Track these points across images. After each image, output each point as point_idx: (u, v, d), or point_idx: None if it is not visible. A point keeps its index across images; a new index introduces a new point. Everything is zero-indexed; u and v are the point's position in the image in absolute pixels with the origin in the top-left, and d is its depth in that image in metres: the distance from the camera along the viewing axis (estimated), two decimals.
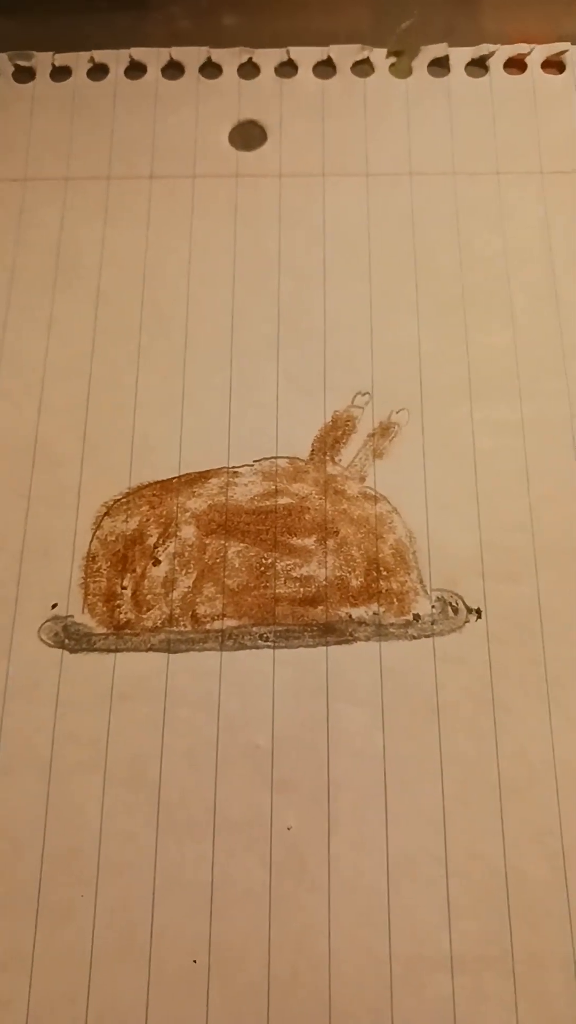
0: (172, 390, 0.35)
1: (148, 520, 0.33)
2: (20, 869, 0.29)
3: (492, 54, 0.41)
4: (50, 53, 0.41)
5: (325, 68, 0.41)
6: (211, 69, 0.41)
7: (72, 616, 0.32)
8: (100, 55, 0.41)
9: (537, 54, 0.41)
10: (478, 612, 0.32)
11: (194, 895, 0.29)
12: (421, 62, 0.41)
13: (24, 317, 0.37)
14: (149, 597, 0.32)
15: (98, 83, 0.41)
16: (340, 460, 0.34)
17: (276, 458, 0.34)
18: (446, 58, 0.41)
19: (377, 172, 0.39)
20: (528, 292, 0.37)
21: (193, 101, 0.40)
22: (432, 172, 0.39)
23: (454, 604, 0.32)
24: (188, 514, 0.33)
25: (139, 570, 0.33)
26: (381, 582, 0.32)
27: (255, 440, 0.35)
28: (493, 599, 0.32)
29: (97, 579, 0.33)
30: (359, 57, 0.41)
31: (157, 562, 0.33)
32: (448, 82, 0.40)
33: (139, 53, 0.41)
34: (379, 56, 0.41)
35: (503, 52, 0.41)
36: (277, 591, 0.32)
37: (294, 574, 0.33)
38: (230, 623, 0.32)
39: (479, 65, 0.41)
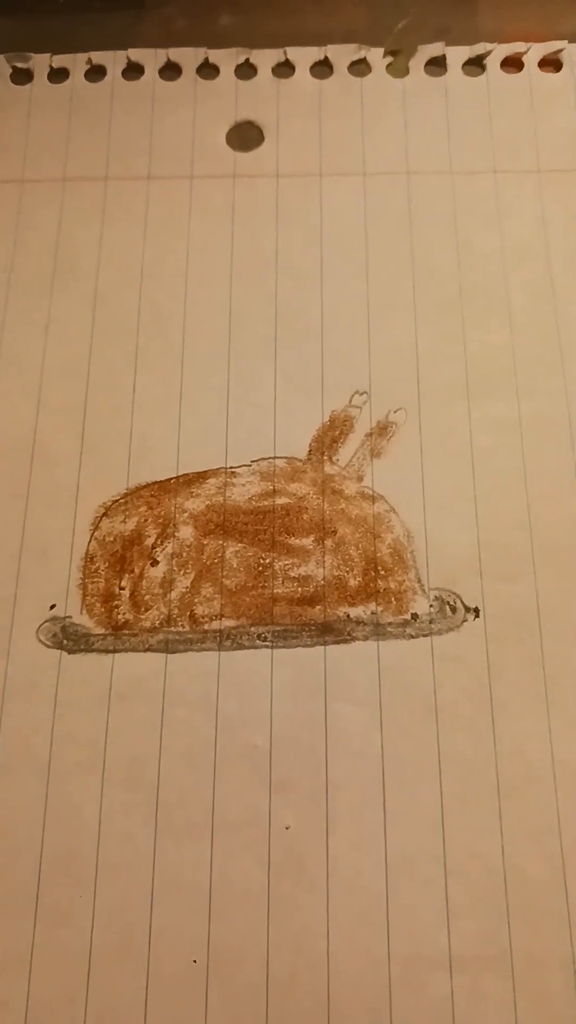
0: (170, 390, 0.35)
1: (146, 520, 0.33)
2: (18, 870, 0.29)
3: (489, 53, 0.41)
4: (47, 54, 0.41)
5: (322, 68, 0.41)
6: (208, 70, 0.41)
7: (70, 617, 0.32)
8: (97, 56, 0.41)
9: (534, 53, 0.41)
10: (476, 611, 0.32)
11: (192, 895, 0.29)
12: (418, 61, 0.41)
13: (22, 318, 0.37)
14: (147, 597, 0.32)
15: (95, 84, 0.41)
16: (338, 460, 0.34)
17: (274, 458, 0.34)
18: (443, 57, 0.41)
19: (374, 172, 0.39)
20: (526, 291, 0.37)
21: (190, 102, 0.40)
22: (429, 171, 0.39)
23: (452, 603, 0.32)
24: (186, 514, 0.33)
25: (137, 571, 0.33)
26: (379, 581, 0.32)
27: (253, 440, 0.35)
28: (491, 598, 0.32)
29: (95, 580, 0.33)
30: (356, 57, 0.41)
31: (155, 562, 0.33)
32: (445, 81, 0.40)
33: (136, 54, 0.41)
34: (376, 56, 0.41)
35: (500, 51, 0.41)
36: (275, 591, 0.32)
37: (292, 574, 0.33)
38: (228, 623, 0.32)
39: (476, 64, 0.41)
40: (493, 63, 0.41)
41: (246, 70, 0.41)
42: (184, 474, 0.34)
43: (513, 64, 0.41)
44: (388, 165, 0.39)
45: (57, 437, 0.35)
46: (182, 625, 0.32)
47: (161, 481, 0.34)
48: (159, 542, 0.33)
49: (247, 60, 0.41)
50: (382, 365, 0.35)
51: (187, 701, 0.31)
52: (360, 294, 0.37)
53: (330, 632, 0.32)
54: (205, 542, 0.33)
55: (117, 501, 0.34)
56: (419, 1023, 0.27)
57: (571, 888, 0.29)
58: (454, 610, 0.32)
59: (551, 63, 0.41)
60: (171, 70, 0.41)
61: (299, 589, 0.32)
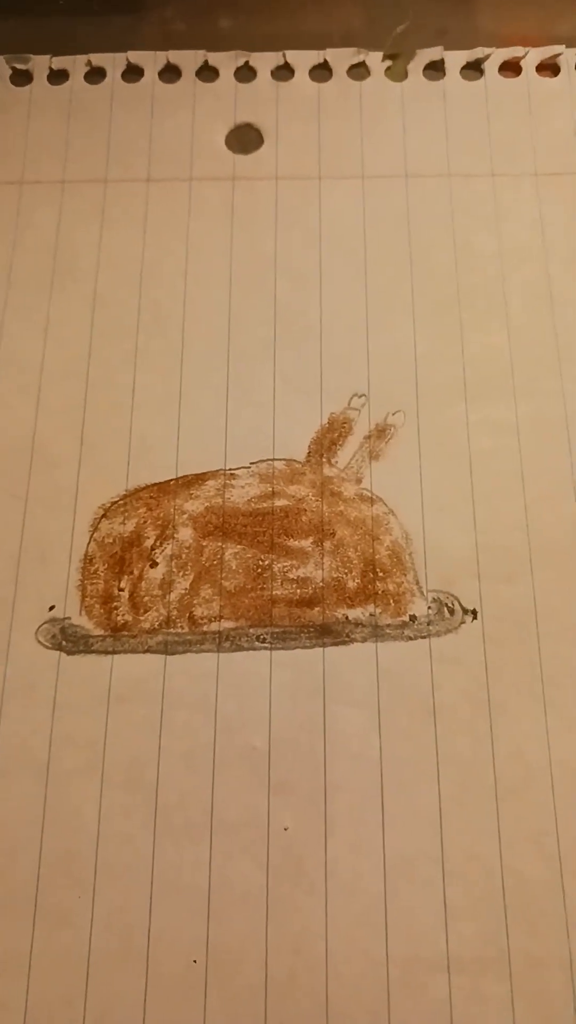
0: (169, 392, 0.35)
1: (145, 522, 0.33)
2: (17, 872, 0.29)
3: (487, 57, 0.41)
4: (47, 56, 0.41)
5: (321, 71, 0.41)
6: (207, 72, 0.41)
7: (69, 618, 0.32)
8: (97, 58, 0.41)
9: (532, 57, 0.41)
10: (474, 613, 0.32)
11: (191, 897, 0.29)
12: (416, 65, 0.41)
13: (21, 319, 0.37)
14: (146, 599, 0.32)
15: (95, 86, 0.41)
16: (336, 462, 0.34)
17: (273, 460, 0.34)
18: (441, 61, 0.41)
19: (373, 175, 0.39)
20: (523, 293, 0.37)
21: (190, 104, 0.40)
22: (428, 174, 0.39)
23: (450, 605, 0.32)
24: (185, 516, 0.34)
25: (136, 572, 0.33)
26: (377, 583, 0.32)
27: (252, 442, 0.35)
28: (489, 600, 0.32)
29: (94, 581, 0.33)
30: (355, 60, 0.41)
31: (154, 564, 0.33)
32: (443, 85, 0.41)
33: (136, 56, 0.41)
34: (375, 59, 0.41)
35: (498, 55, 0.41)
36: (274, 593, 0.32)
37: (291, 576, 0.33)
38: (227, 625, 0.32)
39: (474, 68, 0.41)
40: (491, 67, 0.41)
41: (245, 73, 0.41)
42: (183, 476, 0.34)
43: (511, 68, 0.41)
44: (387, 168, 0.39)
45: (56, 438, 0.35)
46: (181, 627, 0.32)
47: (160, 483, 0.34)
48: (158, 543, 0.33)
49: (246, 63, 0.41)
50: (381, 367, 0.36)
51: (186, 703, 0.31)
52: (359, 296, 0.37)
53: (329, 634, 0.32)
54: (204, 544, 0.33)
55: (116, 502, 0.34)
56: None
57: (569, 889, 0.29)
58: (452, 612, 0.32)
59: (549, 67, 0.41)
60: (171, 72, 0.41)
61: (298, 591, 0.32)
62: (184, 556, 0.33)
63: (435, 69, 0.41)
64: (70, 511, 0.33)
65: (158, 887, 0.29)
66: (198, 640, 0.32)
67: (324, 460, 0.34)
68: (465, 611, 0.32)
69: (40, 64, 0.41)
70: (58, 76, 0.41)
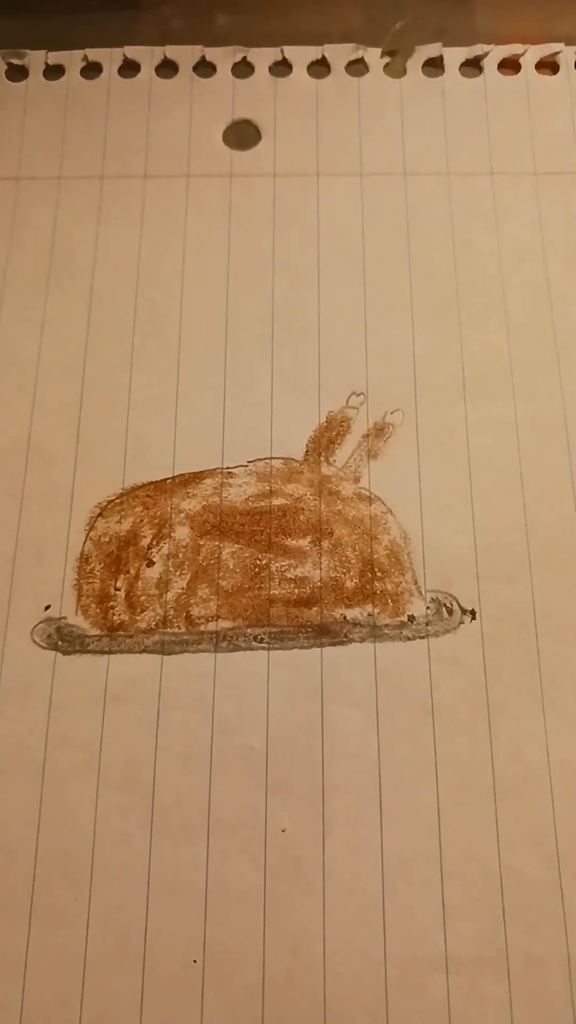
0: (166, 390, 0.35)
1: (142, 521, 0.33)
2: (13, 872, 0.29)
3: (486, 54, 0.41)
4: (43, 52, 0.41)
5: (319, 68, 0.41)
6: (205, 68, 0.41)
7: (65, 618, 0.32)
8: (93, 54, 0.41)
9: (531, 55, 0.41)
10: (473, 613, 0.32)
11: (188, 898, 0.29)
12: (415, 62, 0.41)
13: (17, 316, 0.36)
14: (143, 598, 0.32)
15: (91, 82, 0.41)
16: (335, 461, 0.34)
17: (270, 459, 0.34)
18: (440, 58, 0.41)
19: (371, 172, 0.39)
20: (522, 292, 0.37)
21: (187, 100, 0.40)
22: (426, 172, 0.39)
23: (449, 605, 0.32)
24: (182, 515, 0.33)
25: (133, 571, 0.33)
26: (376, 583, 0.32)
27: (249, 441, 0.34)
28: (488, 600, 0.32)
29: (90, 580, 0.32)
30: (353, 57, 0.41)
31: (151, 563, 0.33)
32: (442, 82, 0.40)
33: (133, 52, 0.41)
34: (373, 56, 0.41)
35: (497, 52, 0.41)
36: (271, 592, 0.32)
37: (288, 575, 0.32)
38: (224, 624, 0.32)
39: (473, 65, 0.41)
40: (490, 64, 0.41)
41: (243, 69, 0.41)
42: (180, 474, 0.34)
43: (510, 66, 0.41)
44: (385, 166, 0.39)
45: (52, 437, 0.34)
46: (178, 626, 0.32)
47: (157, 481, 0.34)
48: (155, 543, 0.33)
49: (244, 59, 0.41)
50: (379, 366, 0.35)
51: (183, 703, 0.31)
52: (357, 295, 0.37)
53: (327, 634, 0.32)
54: (201, 543, 0.33)
55: (113, 501, 0.33)
56: None
57: (568, 889, 0.29)
58: (451, 612, 0.32)
59: (548, 65, 0.41)
60: (168, 68, 0.41)
61: (295, 590, 0.32)
62: (181, 555, 0.33)
63: (434, 66, 0.41)
64: (66, 510, 0.33)
65: (155, 887, 0.29)
66: (195, 640, 0.32)
67: (322, 459, 0.34)
68: (464, 611, 0.32)
69: (36, 59, 0.41)
70: (54, 71, 0.41)
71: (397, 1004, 0.28)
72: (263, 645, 0.32)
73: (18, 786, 0.30)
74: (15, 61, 0.41)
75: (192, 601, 0.32)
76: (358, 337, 0.36)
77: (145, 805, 0.30)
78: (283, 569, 0.33)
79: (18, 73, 0.41)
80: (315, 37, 0.41)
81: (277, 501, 0.34)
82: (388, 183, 0.39)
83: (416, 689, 0.31)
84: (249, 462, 0.34)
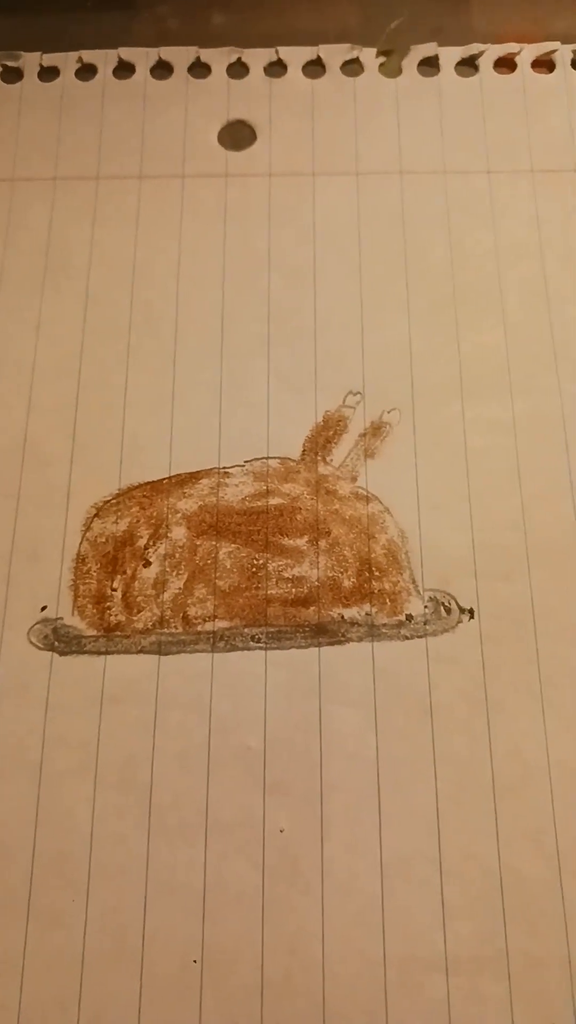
0: (162, 390, 0.35)
1: (138, 521, 0.33)
2: (10, 873, 0.29)
3: (482, 53, 0.41)
4: (38, 53, 0.41)
5: (315, 68, 0.41)
6: (200, 69, 0.41)
7: (62, 618, 0.32)
8: (88, 55, 0.41)
9: (527, 53, 0.41)
10: (471, 612, 0.32)
11: (186, 898, 0.29)
12: (411, 61, 0.41)
13: (13, 317, 0.36)
14: (140, 599, 0.32)
15: (86, 83, 0.41)
16: (331, 460, 0.34)
17: (267, 458, 0.34)
18: (436, 57, 0.41)
19: (367, 171, 0.39)
20: (519, 291, 0.36)
21: (182, 101, 0.40)
22: (422, 171, 0.39)
23: (447, 604, 0.32)
24: (179, 515, 0.33)
25: (129, 571, 0.32)
26: (373, 582, 0.32)
27: (246, 440, 0.34)
28: (486, 599, 0.32)
29: (87, 581, 0.32)
30: (349, 56, 0.41)
31: (147, 563, 0.33)
32: (438, 81, 0.40)
33: (127, 53, 0.41)
34: (369, 55, 0.41)
35: (493, 51, 0.41)
36: (269, 592, 0.32)
37: (286, 575, 0.32)
38: (221, 624, 0.32)
39: (469, 64, 0.41)
40: (486, 63, 0.41)
41: (238, 69, 0.41)
42: (177, 474, 0.34)
43: (506, 65, 0.41)
44: (381, 165, 0.39)
45: (48, 437, 0.34)
46: (175, 626, 0.32)
47: (153, 481, 0.34)
48: (151, 543, 0.33)
49: (239, 59, 0.41)
50: (376, 365, 0.35)
51: (180, 703, 0.31)
52: (353, 294, 0.37)
53: (324, 633, 0.32)
54: (198, 543, 0.33)
55: (109, 501, 0.33)
56: None
57: (567, 888, 0.28)
58: (449, 611, 0.32)
59: (544, 64, 0.41)
60: (163, 69, 0.41)
61: (293, 590, 0.32)
62: (178, 555, 0.33)
63: (429, 65, 0.41)
64: (62, 510, 0.33)
65: (152, 888, 0.29)
66: (192, 640, 0.32)
67: (319, 458, 0.34)
68: (462, 610, 0.32)
69: (31, 61, 0.41)
70: (49, 73, 0.41)
71: (396, 1004, 0.27)
72: (260, 645, 0.31)
73: (15, 787, 0.30)
74: (10, 63, 0.41)
75: (189, 601, 0.32)
76: (355, 336, 0.36)
77: (142, 805, 0.30)
78: (280, 569, 0.32)
79: (13, 75, 0.41)
80: (310, 37, 0.41)
81: (274, 501, 0.33)
82: (384, 182, 0.39)
83: (414, 688, 0.31)
84: (246, 462, 0.34)
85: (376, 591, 0.32)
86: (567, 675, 0.31)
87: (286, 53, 0.41)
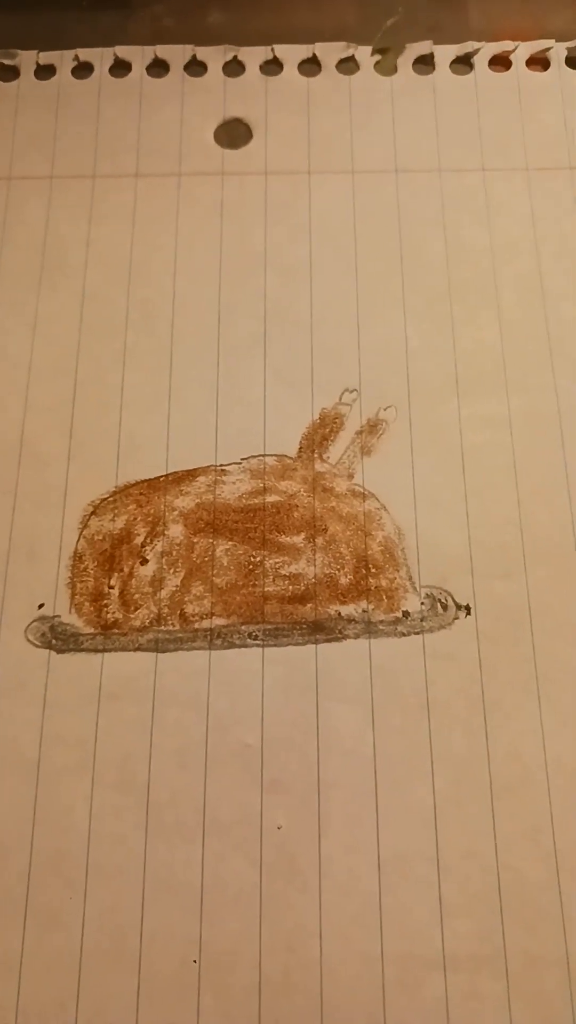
0: (158, 388, 0.35)
1: (135, 519, 0.33)
2: (7, 872, 0.29)
3: (477, 51, 0.41)
4: (34, 51, 0.41)
5: (310, 66, 0.41)
6: (196, 67, 0.41)
7: (59, 616, 0.32)
8: (84, 53, 0.41)
9: (522, 51, 0.41)
10: (468, 608, 0.32)
11: (184, 896, 0.29)
12: (406, 59, 0.41)
13: (9, 315, 0.36)
14: (137, 596, 0.32)
15: (83, 81, 0.41)
16: (328, 457, 0.34)
17: (264, 456, 0.34)
18: (431, 55, 0.41)
19: (363, 169, 0.39)
20: (515, 287, 0.37)
21: (178, 99, 0.40)
22: (418, 169, 0.39)
23: (443, 601, 0.32)
24: (176, 513, 0.33)
25: (127, 569, 0.32)
26: (370, 579, 0.32)
27: (242, 438, 0.34)
28: (483, 595, 0.32)
29: (84, 579, 0.32)
30: (344, 55, 0.41)
31: (145, 561, 0.33)
32: (433, 79, 0.40)
33: (124, 51, 0.41)
34: (364, 54, 0.41)
35: (488, 49, 0.41)
36: (266, 589, 0.32)
37: (283, 572, 0.32)
38: (219, 622, 0.32)
39: (464, 62, 0.41)
40: (481, 61, 0.41)
41: (234, 67, 0.41)
42: (173, 472, 0.34)
43: (501, 62, 0.41)
44: (376, 163, 0.39)
45: (45, 435, 0.34)
46: (172, 624, 0.32)
47: (150, 479, 0.34)
48: (149, 540, 0.33)
49: (235, 57, 0.41)
50: (372, 362, 0.35)
51: (178, 700, 0.31)
52: (349, 291, 0.37)
53: (321, 630, 0.32)
54: (195, 540, 0.33)
55: (106, 499, 0.33)
56: (414, 1023, 0.27)
57: (565, 886, 0.28)
58: (445, 608, 0.32)
59: (539, 61, 0.41)
60: (159, 67, 0.41)
61: (290, 587, 0.32)
62: (175, 553, 0.33)
63: (425, 63, 0.41)
64: (59, 508, 0.33)
65: (150, 886, 0.29)
66: (189, 637, 0.31)
67: (315, 455, 0.34)
68: (459, 607, 0.32)
69: (27, 59, 0.41)
70: (45, 71, 0.41)
71: (394, 1002, 0.27)
72: (258, 642, 0.31)
73: (12, 785, 0.30)
74: (6, 61, 0.41)
75: (186, 599, 0.32)
76: (351, 334, 0.36)
77: (140, 803, 0.29)
78: (277, 566, 0.32)
79: (9, 73, 0.41)
80: (306, 35, 0.41)
81: (271, 498, 0.33)
82: (380, 180, 0.39)
83: (411, 685, 0.31)
84: (243, 459, 0.34)
85: (373, 588, 0.32)
86: (564, 671, 0.31)
87: (282, 51, 0.41)
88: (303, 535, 0.33)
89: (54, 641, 0.31)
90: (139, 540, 0.33)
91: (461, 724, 0.30)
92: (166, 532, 0.33)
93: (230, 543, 0.33)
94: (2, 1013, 0.27)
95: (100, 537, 0.33)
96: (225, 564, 0.32)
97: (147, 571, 0.32)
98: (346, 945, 0.28)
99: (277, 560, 0.32)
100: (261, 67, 0.41)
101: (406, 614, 0.32)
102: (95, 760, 0.30)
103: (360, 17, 0.42)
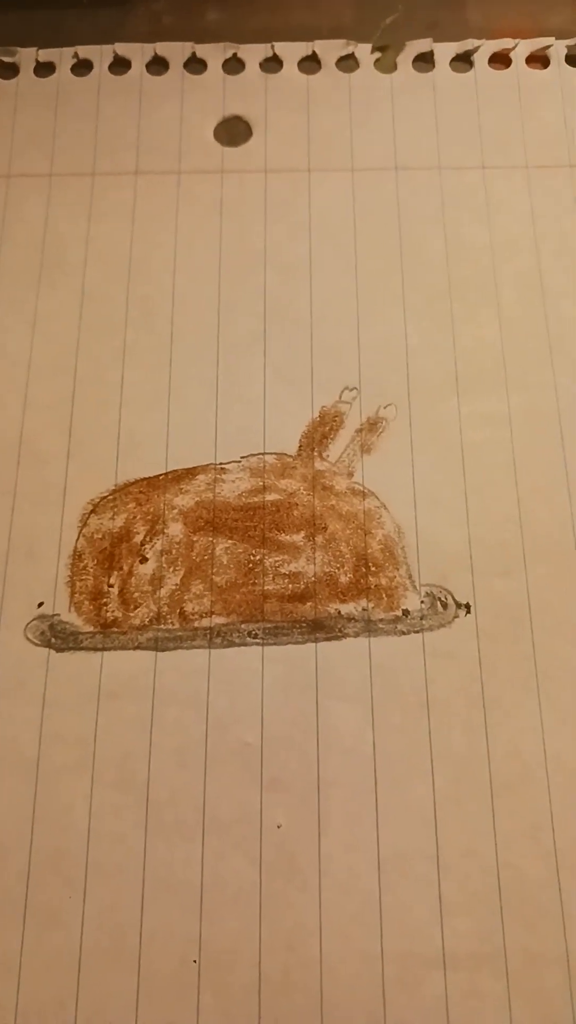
0: (158, 386, 0.35)
1: (135, 517, 0.33)
2: (7, 871, 0.29)
3: (477, 49, 0.41)
4: (34, 49, 0.41)
5: (310, 63, 0.41)
6: (196, 64, 0.41)
7: (58, 615, 0.32)
8: (84, 51, 0.41)
9: (521, 49, 0.41)
10: (467, 607, 0.32)
11: (184, 895, 0.28)
12: (406, 57, 0.41)
13: (9, 313, 0.36)
14: (136, 595, 0.32)
15: (82, 79, 0.40)
16: (328, 456, 0.34)
17: (264, 454, 0.34)
18: (431, 53, 0.41)
19: (362, 167, 0.39)
20: (514, 285, 0.36)
21: (178, 96, 0.40)
22: (418, 167, 0.39)
23: (443, 599, 0.32)
24: (175, 511, 0.33)
25: (126, 568, 0.32)
26: (370, 578, 0.32)
27: (242, 436, 0.34)
28: (482, 594, 0.32)
29: (84, 577, 0.32)
30: (344, 52, 0.41)
31: (144, 560, 0.33)
32: (433, 77, 0.40)
33: (123, 48, 0.41)
34: (364, 51, 0.41)
35: (488, 47, 0.41)
36: (265, 588, 0.32)
37: (282, 570, 0.32)
38: (218, 620, 0.32)
39: (464, 60, 0.41)
40: (481, 59, 0.41)
41: (234, 65, 0.41)
42: (173, 470, 0.34)
43: (501, 60, 0.41)
44: (376, 161, 0.39)
45: (44, 434, 0.34)
46: (172, 623, 0.32)
47: (150, 478, 0.34)
48: (148, 539, 0.33)
49: (235, 55, 0.41)
50: (372, 360, 0.35)
51: (177, 699, 0.31)
52: (349, 289, 0.37)
53: (321, 629, 0.32)
54: (195, 539, 0.33)
55: (105, 498, 0.33)
56: (414, 1021, 0.27)
57: (565, 885, 0.28)
58: (445, 606, 0.32)
59: (539, 59, 0.41)
60: (158, 65, 0.41)
61: (290, 586, 0.32)
62: (174, 551, 0.33)
63: (424, 61, 0.41)
64: (59, 507, 0.33)
65: (150, 885, 0.29)
66: (189, 636, 0.31)
67: (315, 454, 0.34)
68: (458, 605, 0.32)
69: (27, 57, 0.41)
70: (45, 68, 0.41)
71: (394, 1000, 0.27)
72: (257, 641, 0.31)
73: (11, 784, 0.30)
74: (6, 58, 0.41)
75: (186, 597, 0.32)
76: (351, 332, 0.36)
77: (140, 802, 0.29)
78: (277, 564, 0.32)
79: (8, 70, 0.41)
80: (305, 32, 0.41)
81: (270, 496, 0.33)
82: (380, 178, 0.38)
83: (411, 684, 0.31)
84: (242, 457, 0.34)
85: (373, 586, 0.32)
86: (564, 670, 0.31)
87: (282, 49, 0.41)
88: (303, 533, 0.33)
89: (53, 640, 0.31)
90: (139, 538, 0.33)
91: (461, 722, 0.30)
92: (166, 530, 0.33)
93: (230, 541, 0.33)
94: (2, 1012, 0.27)
95: (100, 535, 0.33)
96: (225, 562, 0.32)
97: (147, 569, 0.32)
98: (346, 944, 0.28)
99: (277, 558, 0.32)
100: (261, 64, 0.41)
101: (406, 612, 0.32)
102: (95, 759, 0.30)
103: (359, 15, 0.42)
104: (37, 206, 0.38)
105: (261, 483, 0.34)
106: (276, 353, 0.36)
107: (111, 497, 0.33)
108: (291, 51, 0.41)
